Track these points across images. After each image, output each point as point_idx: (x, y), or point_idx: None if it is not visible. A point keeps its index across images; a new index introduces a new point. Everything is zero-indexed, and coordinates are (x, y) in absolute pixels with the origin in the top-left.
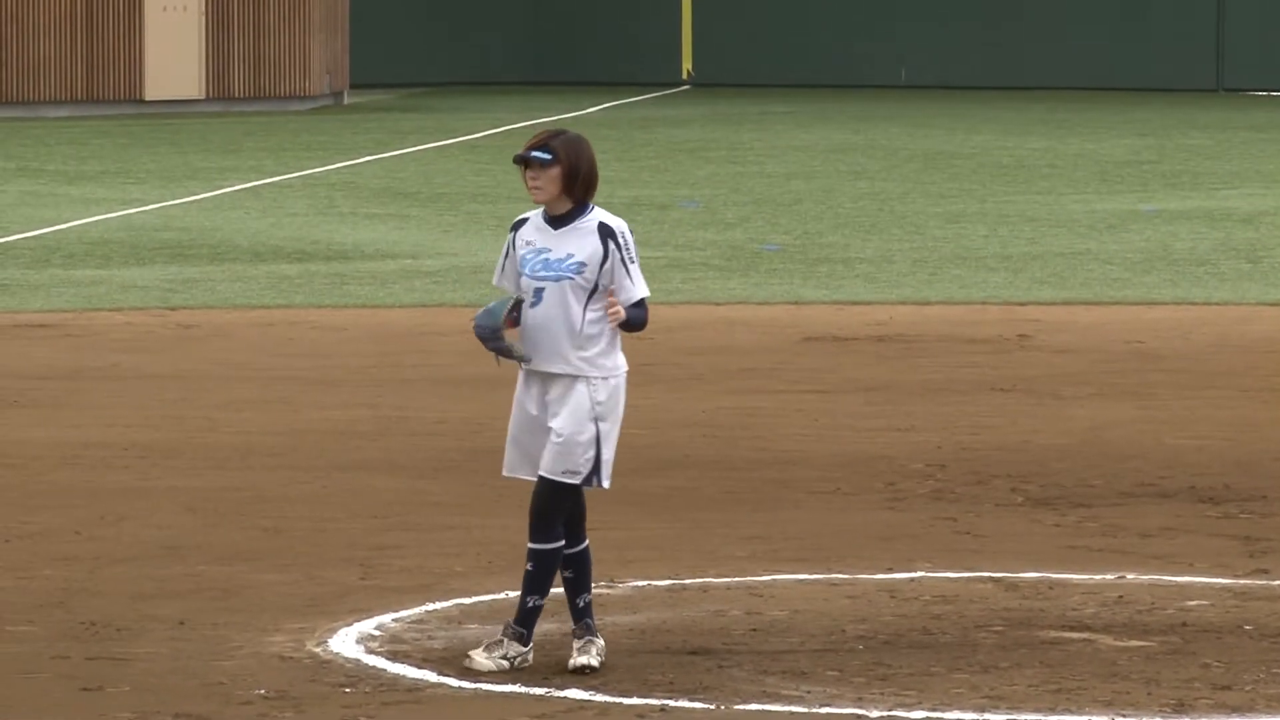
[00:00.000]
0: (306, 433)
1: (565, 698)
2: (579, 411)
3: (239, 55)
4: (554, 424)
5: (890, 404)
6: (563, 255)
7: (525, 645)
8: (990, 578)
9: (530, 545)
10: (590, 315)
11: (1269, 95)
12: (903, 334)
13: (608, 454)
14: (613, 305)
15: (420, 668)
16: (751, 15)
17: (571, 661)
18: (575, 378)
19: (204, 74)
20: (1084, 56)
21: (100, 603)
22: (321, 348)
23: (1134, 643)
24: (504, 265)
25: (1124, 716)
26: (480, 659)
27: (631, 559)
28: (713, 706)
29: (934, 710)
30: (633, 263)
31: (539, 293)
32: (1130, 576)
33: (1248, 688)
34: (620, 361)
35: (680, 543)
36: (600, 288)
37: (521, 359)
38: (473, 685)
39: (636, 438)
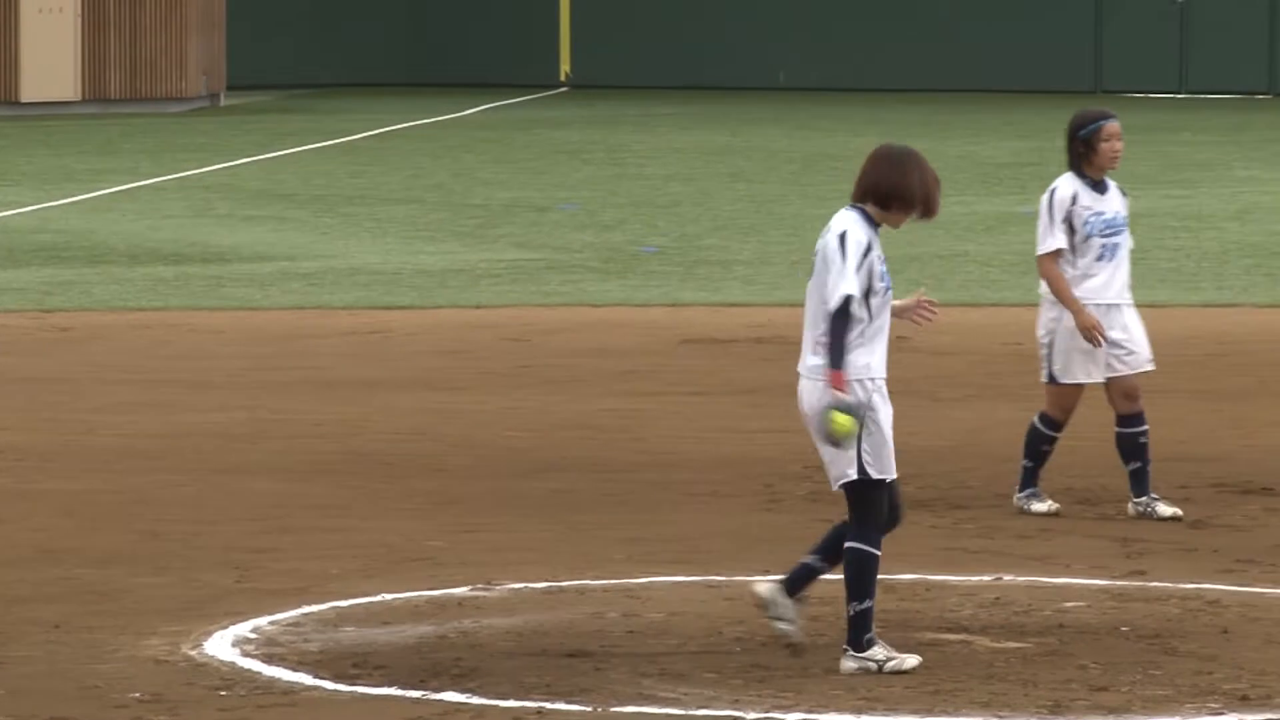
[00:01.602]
0: (184, 435)
1: (441, 700)
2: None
3: (115, 57)
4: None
5: (769, 406)
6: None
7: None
8: None
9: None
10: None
11: (1146, 97)
12: (781, 335)
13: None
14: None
15: (296, 670)
16: (630, 17)
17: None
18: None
19: (80, 75)
20: (964, 58)
21: None
22: (199, 350)
23: (1011, 644)
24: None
25: (1001, 718)
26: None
27: (509, 561)
28: (590, 709)
29: (811, 712)
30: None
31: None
32: (1007, 578)
33: (1124, 689)
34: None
35: (558, 545)
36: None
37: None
38: (349, 688)
39: (514, 440)
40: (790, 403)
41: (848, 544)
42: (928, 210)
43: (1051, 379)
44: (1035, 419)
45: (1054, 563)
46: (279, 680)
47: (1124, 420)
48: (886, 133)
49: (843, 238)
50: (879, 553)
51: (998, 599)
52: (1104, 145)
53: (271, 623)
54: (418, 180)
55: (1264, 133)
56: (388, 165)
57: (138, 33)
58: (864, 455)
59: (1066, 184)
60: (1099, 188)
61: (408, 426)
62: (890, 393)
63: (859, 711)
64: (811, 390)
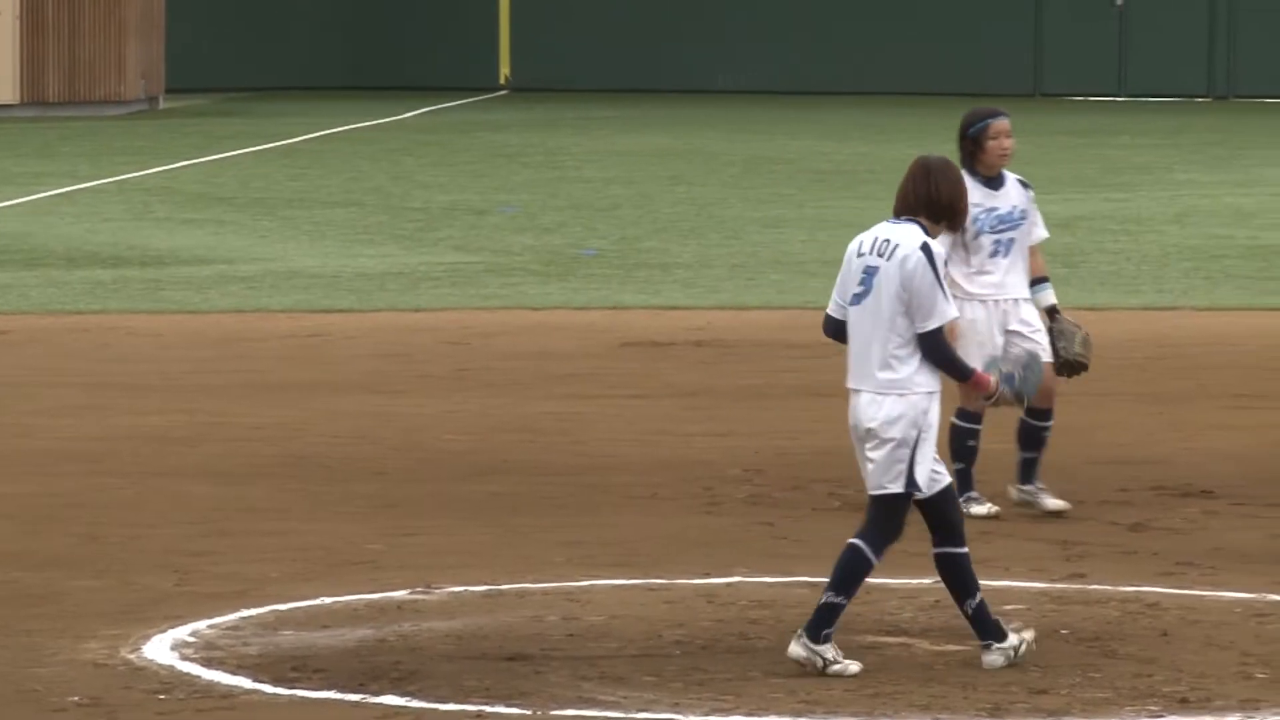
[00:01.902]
0: (122, 438)
1: (380, 704)
2: None
3: (54, 60)
4: None
5: (708, 409)
6: None
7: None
8: (808, 582)
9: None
10: None
11: (1085, 100)
12: (721, 339)
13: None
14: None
15: (235, 674)
16: (570, 20)
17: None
18: None
19: (18, 79)
20: (904, 60)
21: None
22: (137, 353)
23: (951, 647)
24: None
25: None
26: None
27: (449, 564)
28: (529, 712)
29: (751, 715)
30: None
31: None
32: None
33: (1064, 691)
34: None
35: (498, 548)
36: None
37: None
38: (288, 692)
39: (454, 443)
40: (730, 405)
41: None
42: (959, 224)
43: None
44: (953, 418)
45: (994, 565)
46: (218, 684)
47: (1033, 414)
48: (826, 135)
49: (930, 257)
50: (877, 563)
51: (938, 602)
52: (991, 143)
53: (210, 626)
54: (357, 183)
55: (1203, 135)
56: (327, 168)
57: (76, 36)
58: (915, 470)
59: None
60: (993, 184)
61: (347, 430)
62: (831, 396)
63: (798, 714)
64: (878, 404)
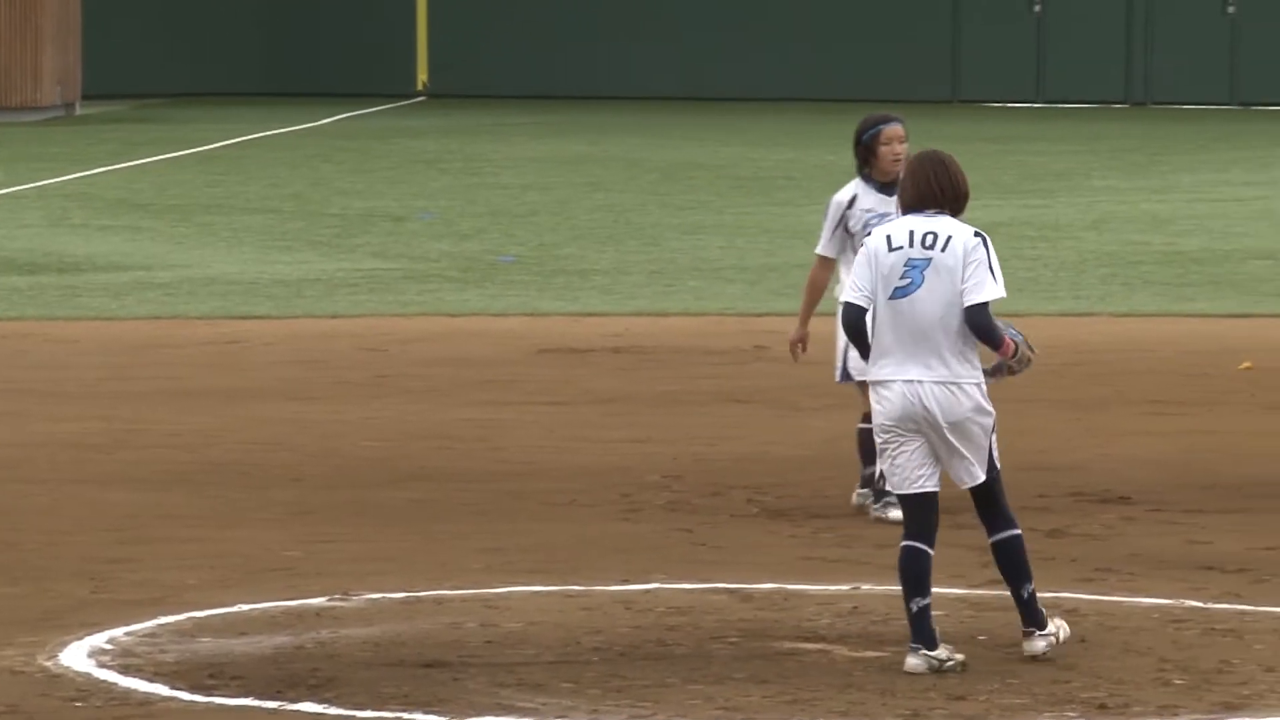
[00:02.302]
0: (39, 445)
1: (298, 711)
2: None
3: None
4: None
5: (627, 415)
6: None
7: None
8: (726, 589)
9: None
10: None
11: (1003, 106)
12: (639, 345)
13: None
14: None
15: (152, 681)
16: (487, 26)
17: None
18: None
19: None
20: (823, 67)
21: None
22: (54, 360)
23: (869, 653)
24: None
25: None
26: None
27: (367, 571)
28: (448, 719)
29: None
30: None
31: None
32: (865, 587)
33: (982, 698)
34: (870, 370)
35: (415, 555)
36: None
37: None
38: (205, 699)
39: (372, 449)
40: (648, 411)
41: (1012, 533)
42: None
43: (846, 376)
44: (860, 423)
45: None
46: (135, 691)
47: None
48: (748, 141)
49: (985, 241)
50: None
51: (856, 608)
52: (883, 149)
53: (128, 633)
54: (274, 190)
55: (1120, 142)
56: (244, 175)
57: None
58: (995, 453)
59: (848, 189)
60: (887, 190)
61: (265, 436)
62: (750, 402)
63: None
64: (957, 396)
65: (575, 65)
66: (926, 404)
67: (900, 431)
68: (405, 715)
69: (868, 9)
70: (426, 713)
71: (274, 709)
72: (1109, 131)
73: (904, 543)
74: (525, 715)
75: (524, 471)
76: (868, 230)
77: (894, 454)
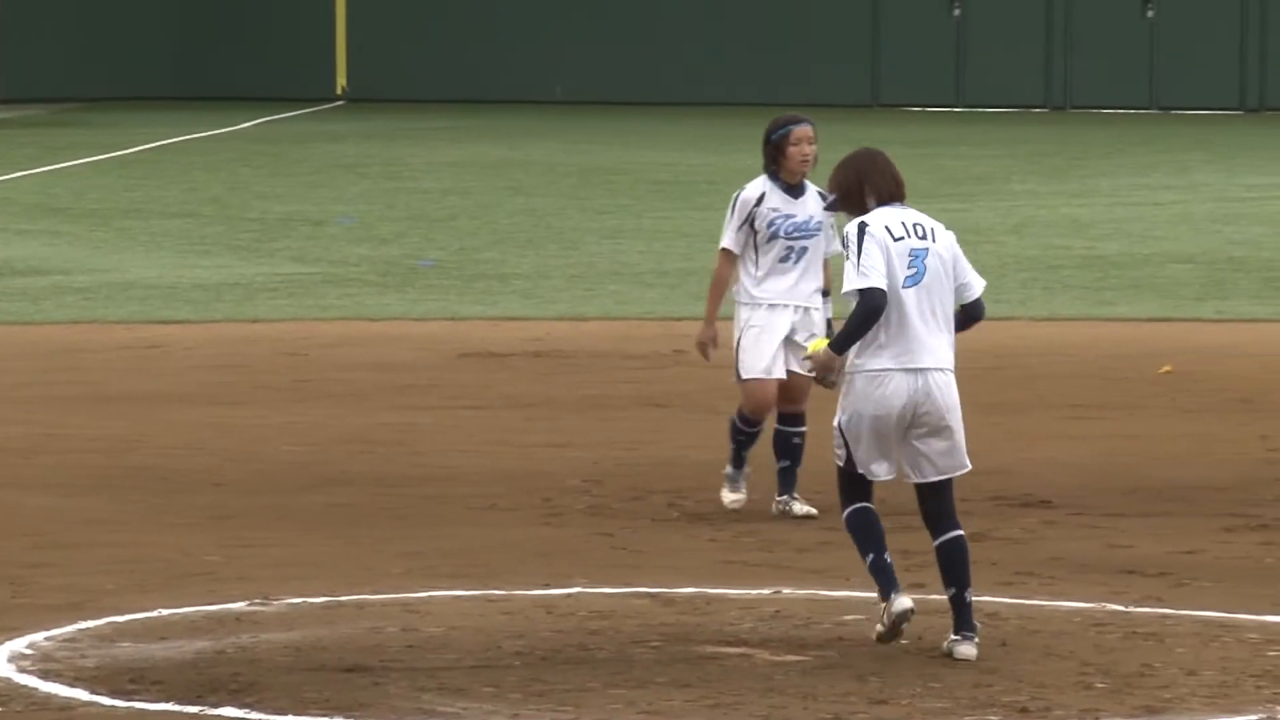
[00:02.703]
0: None
1: (219, 716)
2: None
3: None
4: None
5: (547, 420)
6: None
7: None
8: (647, 593)
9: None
10: None
11: (922, 110)
12: (559, 349)
13: (848, 446)
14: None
15: (72, 686)
16: (407, 31)
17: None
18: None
19: None
20: (742, 71)
21: None
22: None
23: (790, 657)
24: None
25: None
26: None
27: (288, 576)
28: None
29: None
30: (848, 259)
31: None
32: (787, 591)
33: (904, 701)
34: (859, 360)
35: (337, 560)
36: None
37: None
38: (126, 704)
39: (293, 454)
40: (569, 416)
41: (959, 533)
42: None
43: (739, 376)
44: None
45: (833, 576)
46: (55, 696)
47: (784, 419)
48: (665, 146)
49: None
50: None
51: (777, 612)
52: (792, 149)
53: (48, 638)
54: (193, 194)
55: (1040, 146)
56: (163, 179)
57: None
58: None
59: (756, 185)
60: (794, 191)
61: (185, 441)
62: (670, 406)
63: None
64: (951, 385)
65: (494, 70)
66: (932, 392)
67: (882, 423)
68: None
69: (786, 13)
70: (348, 717)
71: (195, 714)
72: (1029, 136)
73: (857, 505)
74: (446, 719)
75: (444, 476)
76: (772, 228)
77: (865, 443)
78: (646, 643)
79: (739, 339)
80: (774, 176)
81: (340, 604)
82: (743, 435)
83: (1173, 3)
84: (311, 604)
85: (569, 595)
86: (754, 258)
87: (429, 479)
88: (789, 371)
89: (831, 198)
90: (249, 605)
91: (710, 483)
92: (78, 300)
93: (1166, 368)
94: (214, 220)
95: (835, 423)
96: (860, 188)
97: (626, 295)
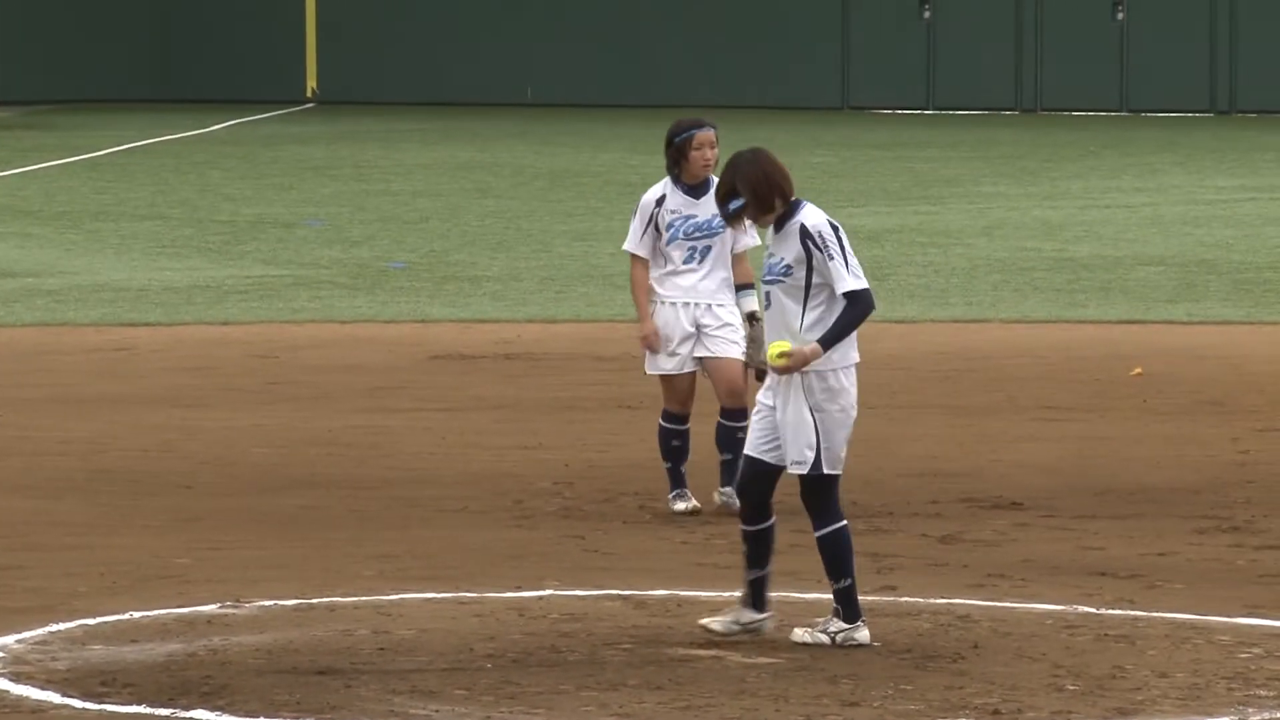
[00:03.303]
0: None
1: (190, 718)
2: (799, 404)
3: None
4: (781, 419)
5: (518, 422)
6: (777, 259)
7: (852, 621)
8: (619, 595)
9: (816, 535)
10: (809, 317)
11: (893, 113)
12: (530, 352)
13: (827, 443)
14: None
15: (44, 689)
16: (377, 33)
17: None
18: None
19: None
20: (713, 73)
21: None
22: None
23: (762, 659)
24: None
25: None
26: (799, 632)
27: (258, 578)
28: None
29: None
30: (833, 258)
31: (768, 295)
32: None
33: (876, 704)
34: (836, 357)
35: (307, 562)
36: (815, 286)
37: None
38: (97, 706)
39: (263, 456)
40: (540, 418)
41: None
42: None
43: (646, 370)
44: (660, 420)
45: (805, 578)
46: (26, 699)
47: (726, 414)
48: (633, 148)
49: None
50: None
51: None
52: (694, 153)
53: (18, 641)
54: (163, 196)
55: (1011, 148)
56: (132, 182)
57: None
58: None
59: (657, 189)
60: (695, 193)
61: (154, 443)
62: (641, 408)
63: None
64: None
65: (464, 72)
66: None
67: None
68: None
69: (757, 15)
70: (319, 719)
71: (166, 716)
72: (1000, 138)
73: (842, 523)
74: None
75: (415, 478)
76: (671, 230)
77: (844, 437)
78: (618, 645)
79: None
80: (676, 178)
81: (311, 606)
82: (673, 439)
83: (1143, 5)
84: (283, 606)
85: (541, 598)
86: (661, 259)
87: (400, 481)
88: (729, 365)
89: (739, 201)
90: (220, 608)
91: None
92: (48, 303)
93: (1137, 370)
94: (184, 223)
95: (819, 429)
96: (772, 187)
97: (597, 297)
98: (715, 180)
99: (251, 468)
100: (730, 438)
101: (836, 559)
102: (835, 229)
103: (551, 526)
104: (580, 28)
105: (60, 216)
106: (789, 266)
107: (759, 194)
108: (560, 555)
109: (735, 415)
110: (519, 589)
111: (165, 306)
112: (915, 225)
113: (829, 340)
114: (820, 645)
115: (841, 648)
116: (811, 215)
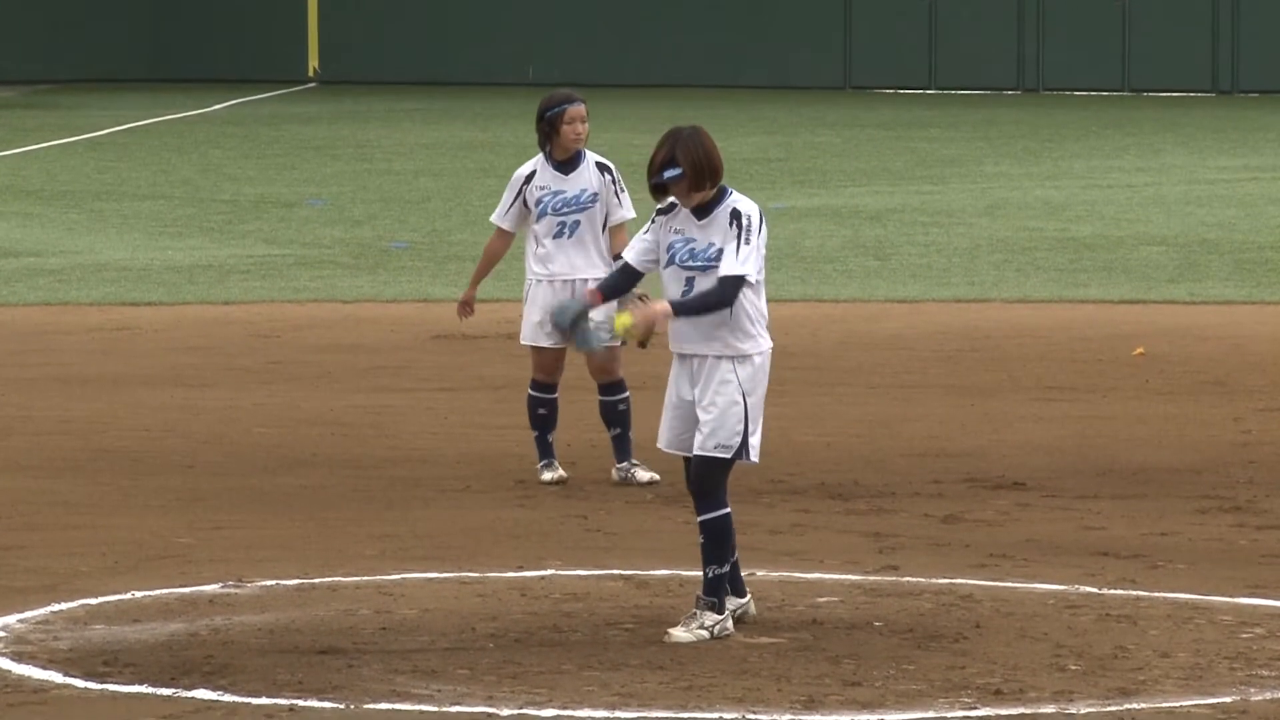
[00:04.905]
0: None
1: (193, 698)
2: (727, 389)
3: None
4: (704, 403)
5: (520, 402)
6: (705, 245)
7: (721, 613)
8: (621, 575)
9: (699, 519)
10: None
11: (895, 93)
12: None
13: (754, 429)
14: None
15: (46, 668)
16: (378, 12)
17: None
18: (720, 358)
19: None
20: (712, 53)
21: None
22: None
23: (764, 639)
24: (646, 240)
25: (754, 713)
26: (678, 633)
27: (260, 558)
28: (342, 706)
29: (565, 708)
30: (744, 243)
31: (690, 281)
32: (760, 573)
33: (878, 684)
34: (763, 342)
35: (309, 542)
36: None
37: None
38: (99, 686)
39: (265, 436)
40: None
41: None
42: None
43: (535, 337)
44: (529, 389)
45: (807, 558)
46: (29, 678)
47: (603, 389)
48: (634, 128)
49: None
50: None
51: (751, 595)
52: (565, 128)
53: (20, 621)
54: (165, 176)
55: (1012, 128)
56: (134, 161)
57: None
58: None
59: (530, 163)
60: (564, 168)
61: (156, 423)
62: (643, 388)
63: (613, 707)
64: None
65: (466, 51)
66: None
67: None
68: (300, 702)
69: None
70: (321, 699)
71: (168, 696)
72: (1002, 118)
73: (729, 509)
74: (420, 702)
75: (417, 458)
76: (540, 206)
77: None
78: (620, 625)
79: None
80: (547, 155)
81: (313, 586)
82: (540, 406)
83: None
84: (284, 586)
85: (542, 578)
86: (534, 236)
87: (402, 461)
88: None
89: (675, 171)
90: (222, 587)
91: (679, 464)
92: (50, 283)
93: (1139, 350)
94: (186, 202)
95: (745, 413)
96: (711, 166)
97: None
98: (586, 154)
99: (253, 447)
100: (612, 411)
101: (719, 545)
102: (761, 220)
103: (554, 506)
104: (582, 7)
105: (62, 196)
106: (721, 251)
107: (698, 168)
108: (562, 535)
109: (611, 389)
110: (521, 569)
111: (167, 286)
112: (917, 205)
113: (683, 308)
114: (703, 640)
115: (720, 639)
116: (744, 202)
